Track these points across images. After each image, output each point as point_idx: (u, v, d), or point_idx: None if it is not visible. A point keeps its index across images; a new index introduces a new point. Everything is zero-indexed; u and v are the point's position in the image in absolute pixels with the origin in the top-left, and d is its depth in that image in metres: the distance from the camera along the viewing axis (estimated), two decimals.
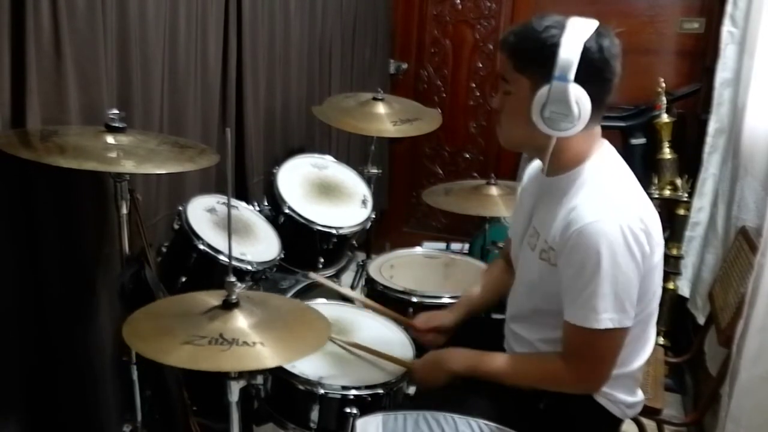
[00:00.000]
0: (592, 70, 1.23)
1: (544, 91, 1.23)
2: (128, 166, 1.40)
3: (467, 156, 3.67)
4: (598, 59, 1.23)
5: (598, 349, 1.28)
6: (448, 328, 1.67)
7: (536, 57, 1.25)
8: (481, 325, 1.80)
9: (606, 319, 1.23)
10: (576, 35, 1.22)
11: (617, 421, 1.42)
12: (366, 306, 1.83)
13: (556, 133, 1.26)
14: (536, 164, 1.52)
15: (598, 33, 1.23)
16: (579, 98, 1.22)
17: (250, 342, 1.19)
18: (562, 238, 1.27)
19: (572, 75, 1.21)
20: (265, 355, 1.18)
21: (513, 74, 1.30)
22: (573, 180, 1.31)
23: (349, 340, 1.64)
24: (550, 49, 1.22)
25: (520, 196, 1.58)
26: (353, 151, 3.19)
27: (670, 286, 2.56)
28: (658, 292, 1.37)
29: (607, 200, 1.25)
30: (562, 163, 1.33)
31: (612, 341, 1.27)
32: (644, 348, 1.40)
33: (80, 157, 1.32)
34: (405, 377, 1.55)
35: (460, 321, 1.68)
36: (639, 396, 1.44)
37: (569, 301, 1.27)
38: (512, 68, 1.29)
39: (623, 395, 1.38)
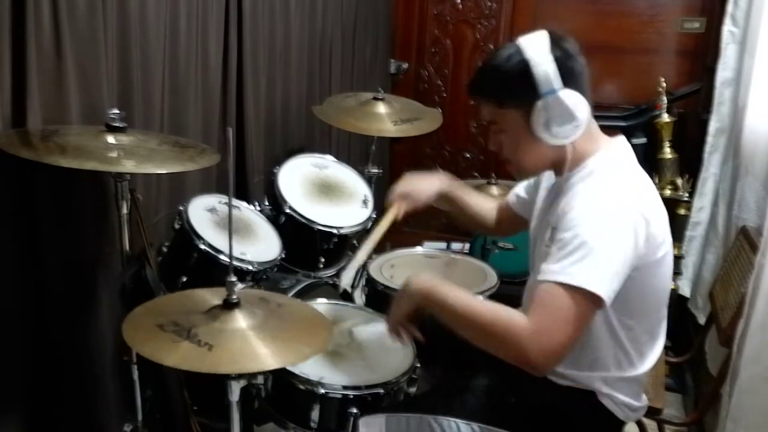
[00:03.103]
0: (568, 73, 1.25)
1: (538, 109, 1.25)
2: (129, 166, 1.40)
3: (468, 156, 3.67)
4: (567, 60, 1.25)
5: (560, 307, 1.15)
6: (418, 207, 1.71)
7: (513, 86, 1.27)
8: None
9: (580, 275, 1.15)
10: (537, 49, 1.25)
11: (620, 423, 1.42)
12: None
13: (567, 140, 1.27)
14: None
15: (553, 39, 1.26)
16: (574, 101, 1.24)
17: (202, 343, 1.17)
18: (559, 224, 1.26)
19: (558, 84, 1.23)
20: (212, 360, 1.16)
21: (499, 113, 1.31)
22: (579, 176, 1.32)
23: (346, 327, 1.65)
24: (523, 72, 1.24)
25: (537, 181, 1.58)
26: (354, 150, 3.19)
27: (671, 285, 2.56)
28: (665, 295, 1.36)
29: (605, 186, 1.26)
30: (571, 164, 1.33)
31: (578, 305, 1.15)
32: (652, 352, 1.39)
33: (81, 156, 1.32)
34: (406, 377, 1.55)
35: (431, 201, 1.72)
36: (643, 401, 1.43)
37: (548, 263, 1.21)
38: (496, 108, 1.31)
39: (627, 398, 1.37)
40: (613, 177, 1.28)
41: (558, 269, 1.18)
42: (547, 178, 1.52)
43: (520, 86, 1.25)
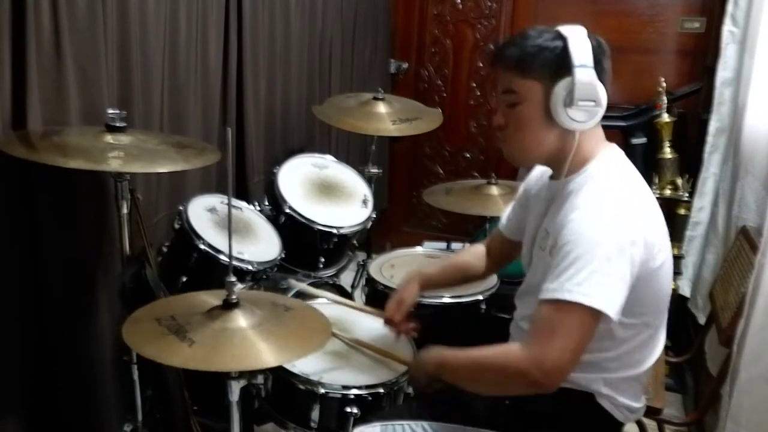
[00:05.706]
0: (597, 63, 1.23)
1: (564, 84, 1.22)
2: (132, 167, 1.40)
3: (468, 155, 3.67)
4: (599, 53, 1.24)
5: (559, 325, 1.16)
6: (414, 304, 1.62)
7: (544, 57, 1.23)
8: (483, 324, 1.80)
9: (579, 292, 1.14)
10: (576, 32, 1.23)
11: (618, 425, 1.41)
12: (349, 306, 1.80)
13: (579, 126, 1.25)
14: (541, 168, 1.51)
15: (589, 33, 1.25)
16: (599, 84, 1.22)
17: (187, 339, 1.18)
18: (558, 236, 1.24)
19: (591, 60, 1.21)
20: (188, 355, 1.16)
21: (520, 82, 1.26)
22: (579, 180, 1.30)
23: (351, 337, 1.64)
24: (557, 48, 1.22)
25: (524, 196, 1.56)
26: (353, 150, 3.19)
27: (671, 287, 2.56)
28: (666, 296, 1.35)
29: (606, 197, 1.24)
30: (571, 166, 1.31)
31: (578, 321, 1.15)
32: (653, 353, 1.38)
33: (80, 157, 1.32)
34: (406, 377, 1.55)
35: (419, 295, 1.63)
36: (642, 401, 1.42)
37: (545, 283, 1.21)
38: (518, 77, 1.25)
39: (627, 399, 1.36)
40: (613, 186, 1.27)
41: (555, 287, 1.17)
42: (534, 174, 1.51)
43: (550, 59, 1.22)
